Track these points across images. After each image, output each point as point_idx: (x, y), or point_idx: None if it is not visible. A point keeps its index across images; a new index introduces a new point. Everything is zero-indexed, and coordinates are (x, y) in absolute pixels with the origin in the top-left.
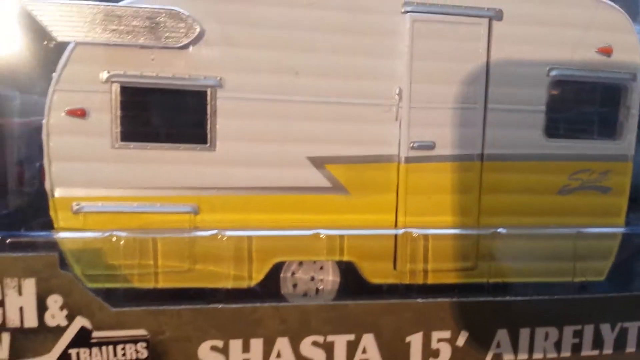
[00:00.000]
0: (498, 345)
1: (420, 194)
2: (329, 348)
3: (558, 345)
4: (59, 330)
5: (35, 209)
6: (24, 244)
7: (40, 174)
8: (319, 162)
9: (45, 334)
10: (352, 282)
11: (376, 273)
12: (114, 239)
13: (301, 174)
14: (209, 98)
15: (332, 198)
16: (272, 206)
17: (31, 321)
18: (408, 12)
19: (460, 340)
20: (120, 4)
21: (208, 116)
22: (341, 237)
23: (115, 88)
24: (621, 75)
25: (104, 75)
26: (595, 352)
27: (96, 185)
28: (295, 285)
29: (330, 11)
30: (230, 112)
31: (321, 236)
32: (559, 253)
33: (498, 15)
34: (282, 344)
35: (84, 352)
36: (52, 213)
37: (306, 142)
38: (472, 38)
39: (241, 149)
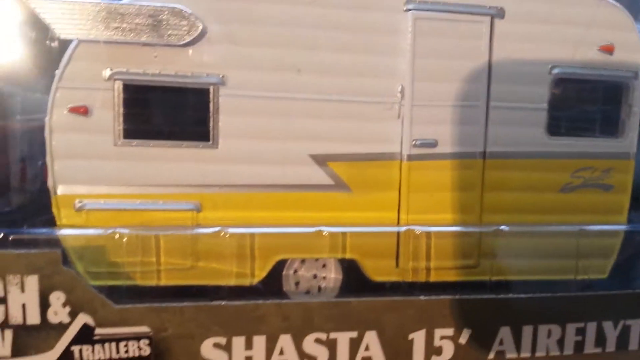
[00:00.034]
0: (501, 343)
1: (423, 192)
2: (331, 345)
3: (561, 343)
4: (62, 327)
5: (38, 207)
6: (27, 241)
7: (42, 171)
8: (321, 160)
9: (48, 330)
10: (354, 279)
11: (379, 271)
12: (116, 236)
13: (304, 171)
14: (211, 95)
15: (334, 196)
16: (275, 204)
17: (34, 318)
18: (410, 10)
19: (463, 338)
20: (123, 1)
21: (210, 114)
22: (344, 234)
23: (118, 85)
24: (623, 73)
25: (106, 72)
26: (598, 350)
27: (99, 183)
28: (297, 283)
29: (332, 9)
30: (233, 110)
31: (324, 233)
32: (561, 251)
33: (500, 13)
34: (285, 341)
35: (86, 349)
36: (54, 210)
37: (309, 140)
38: (474, 36)
39: (244, 147)
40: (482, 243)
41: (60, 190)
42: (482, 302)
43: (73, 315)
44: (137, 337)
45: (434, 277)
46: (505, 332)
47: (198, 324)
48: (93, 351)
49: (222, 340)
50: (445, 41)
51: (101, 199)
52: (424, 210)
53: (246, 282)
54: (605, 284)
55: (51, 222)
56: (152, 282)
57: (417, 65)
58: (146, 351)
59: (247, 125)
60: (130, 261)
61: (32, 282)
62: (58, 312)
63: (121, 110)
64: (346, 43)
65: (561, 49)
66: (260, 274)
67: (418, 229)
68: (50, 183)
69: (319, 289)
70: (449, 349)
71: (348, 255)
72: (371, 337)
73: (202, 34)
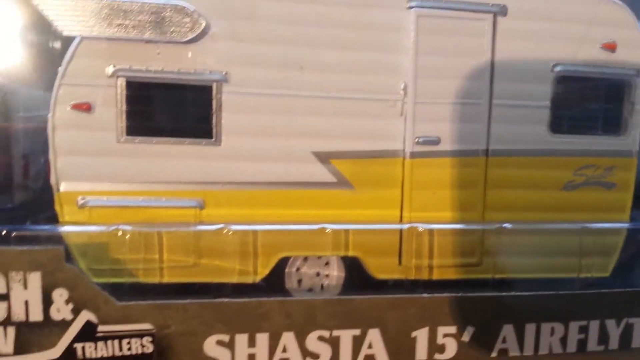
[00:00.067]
0: (504, 341)
1: (425, 189)
2: (334, 343)
3: (564, 341)
4: (65, 324)
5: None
6: (30, 238)
7: (45, 168)
8: (324, 157)
9: (51, 327)
10: (357, 277)
11: (381, 268)
12: (119, 233)
13: (306, 168)
14: (214, 92)
15: (337, 193)
16: (277, 201)
17: (36, 315)
18: (413, 7)
19: (466, 336)
20: None
21: (213, 111)
22: (346, 232)
23: (121, 82)
24: (625, 71)
25: (109, 69)
26: (601, 348)
27: (101, 180)
28: (300, 281)
29: (335, 6)
30: (236, 107)
31: (327, 231)
32: (564, 249)
33: (502, 10)
34: (288, 338)
35: (89, 346)
36: (57, 207)
37: (311, 137)
38: (477, 33)
39: (246, 144)
40: (485, 241)
41: (63, 187)
42: (485, 300)
43: (76, 312)
44: (140, 335)
45: (436, 275)
46: (508, 330)
47: (201, 321)
48: (96, 348)
49: (225, 338)
50: (448, 39)
51: (104, 196)
52: (426, 207)
53: (249, 279)
54: (607, 282)
55: (54, 219)
56: (154, 280)
57: (420, 63)
58: (149, 348)
59: (249, 122)
60: (133, 258)
61: (35, 279)
62: (61, 309)
63: (124, 107)
64: (349, 40)
65: (564, 47)
66: (263, 271)
67: (421, 227)
68: (53, 180)
69: (322, 286)
70: (451, 346)
71: (351, 253)
72: (374, 335)
73: (205, 31)
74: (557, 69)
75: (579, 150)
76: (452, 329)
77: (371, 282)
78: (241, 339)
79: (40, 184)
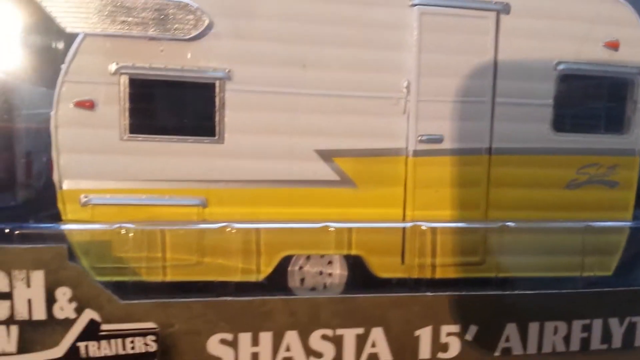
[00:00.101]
0: (507, 340)
1: (428, 188)
2: (338, 341)
3: (567, 340)
4: (68, 323)
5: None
6: (32, 236)
7: (48, 166)
8: (327, 155)
9: (54, 326)
10: (359, 276)
11: (384, 267)
12: (122, 231)
13: (309, 167)
14: (217, 90)
15: (340, 191)
16: (280, 199)
17: (39, 313)
18: (416, 5)
19: (469, 335)
20: None
21: (216, 108)
22: (349, 231)
23: (124, 80)
24: (628, 70)
25: (112, 67)
26: (604, 347)
27: (104, 178)
28: (303, 280)
29: (338, 4)
30: (239, 105)
31: (330, 229)
32: (567, 247)
33: (506, 8)
34: (292, 337)
35: (92, 345)
36: (60, 205)
37: (314, 135)
38: (480, 31)
39: (249, 142)
40: (488, 239)
41: (66, 185)
42: (488, 299)
43: (79, 310)
44: (144, 333)
45: (439, 274)
46: (511, 329)
47: (205, 320)
48: (99, 347)
49: (229, 336)
50: (451, 36)
51: (107, 193)
52: (429, 206)
53: (252, 278)
54: (610, 281)
55: (57, 217)
56: (157, 278)
57: (423, 61)
58: (152, 347)
59: (252, 120)
60: (136, 256)
61: (38, 278)
62: (64, 308)
63: (127, 104)
64: (352, 38)
65: (566, 45)
66: (266, 270)
67: (424, 225)
68: (55, 178)
69: (325, 285)
70: (455, 345)
71: (354, 252)
72: (377, 334)
73: (208, 29)
74: (560, 67)
75: (582, 148)
76: (456, 328)
77: (374, 280)
78: (244, 338)
79: (43, 181)
